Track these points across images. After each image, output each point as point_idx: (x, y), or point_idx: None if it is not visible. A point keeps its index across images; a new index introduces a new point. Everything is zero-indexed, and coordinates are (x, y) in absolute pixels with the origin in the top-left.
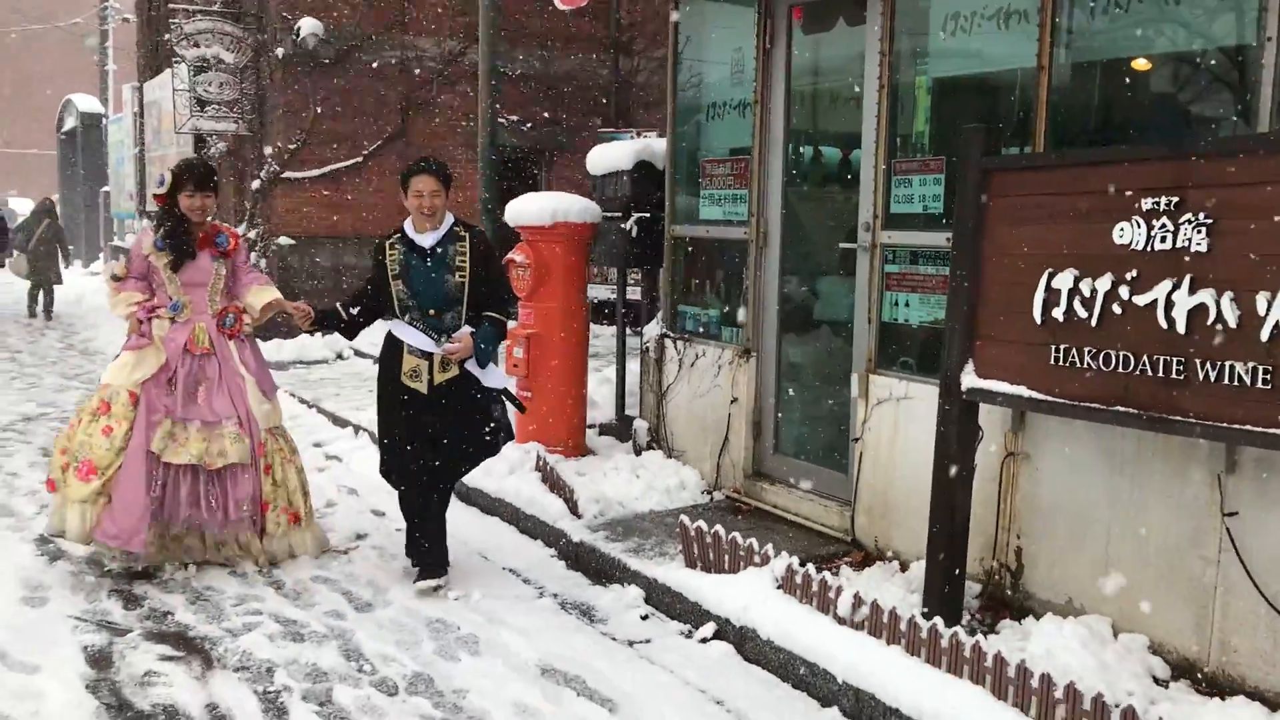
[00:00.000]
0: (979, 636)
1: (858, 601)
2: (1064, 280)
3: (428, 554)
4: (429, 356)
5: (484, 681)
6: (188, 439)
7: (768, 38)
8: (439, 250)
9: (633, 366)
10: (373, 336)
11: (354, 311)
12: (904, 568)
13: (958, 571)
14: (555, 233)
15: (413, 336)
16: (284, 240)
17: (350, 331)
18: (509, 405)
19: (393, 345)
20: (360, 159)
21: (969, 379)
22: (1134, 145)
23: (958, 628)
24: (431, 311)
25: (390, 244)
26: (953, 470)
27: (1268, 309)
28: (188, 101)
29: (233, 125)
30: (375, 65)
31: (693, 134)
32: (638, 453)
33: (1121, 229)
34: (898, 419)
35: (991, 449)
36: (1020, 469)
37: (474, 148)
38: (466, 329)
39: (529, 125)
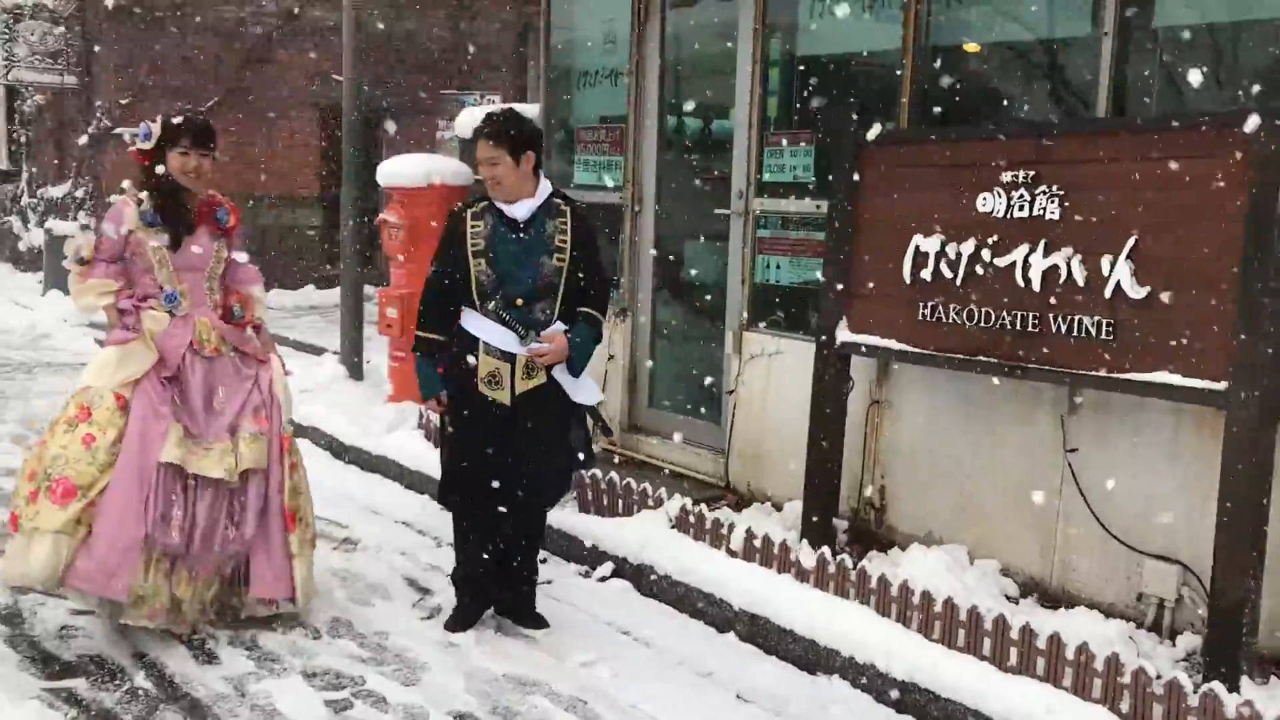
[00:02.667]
0: (864, 562)
1: (750, 536)
2: (931, 244)
3: (473, 592)
4: (511, 358)
5: (401, 623)
6: (212, 450)
7: (642, 9)
8: (534, 225)
9: None
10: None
11: (433, 325)
12: (778, 508)
13: (831, 509)
14: (430, 194)
15: (492, 332)
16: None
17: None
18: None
19: (465, 342)
20: None
21: (843, 333)
22: (996, 125)
23: (843, 555)
24: (519, 301)
25: (474, 213)
26: (827, 416)
27: (1110, 269)
28: (4, 51)
29: (57, 78)
30: (211, 19)
31: (564, 101)
32: None
33: (984, 198)
34: (770, 373)
35: (857, 398)
36: (884, 415)
37: (315, 106)
38: (559, 326)
39: (366, 86)
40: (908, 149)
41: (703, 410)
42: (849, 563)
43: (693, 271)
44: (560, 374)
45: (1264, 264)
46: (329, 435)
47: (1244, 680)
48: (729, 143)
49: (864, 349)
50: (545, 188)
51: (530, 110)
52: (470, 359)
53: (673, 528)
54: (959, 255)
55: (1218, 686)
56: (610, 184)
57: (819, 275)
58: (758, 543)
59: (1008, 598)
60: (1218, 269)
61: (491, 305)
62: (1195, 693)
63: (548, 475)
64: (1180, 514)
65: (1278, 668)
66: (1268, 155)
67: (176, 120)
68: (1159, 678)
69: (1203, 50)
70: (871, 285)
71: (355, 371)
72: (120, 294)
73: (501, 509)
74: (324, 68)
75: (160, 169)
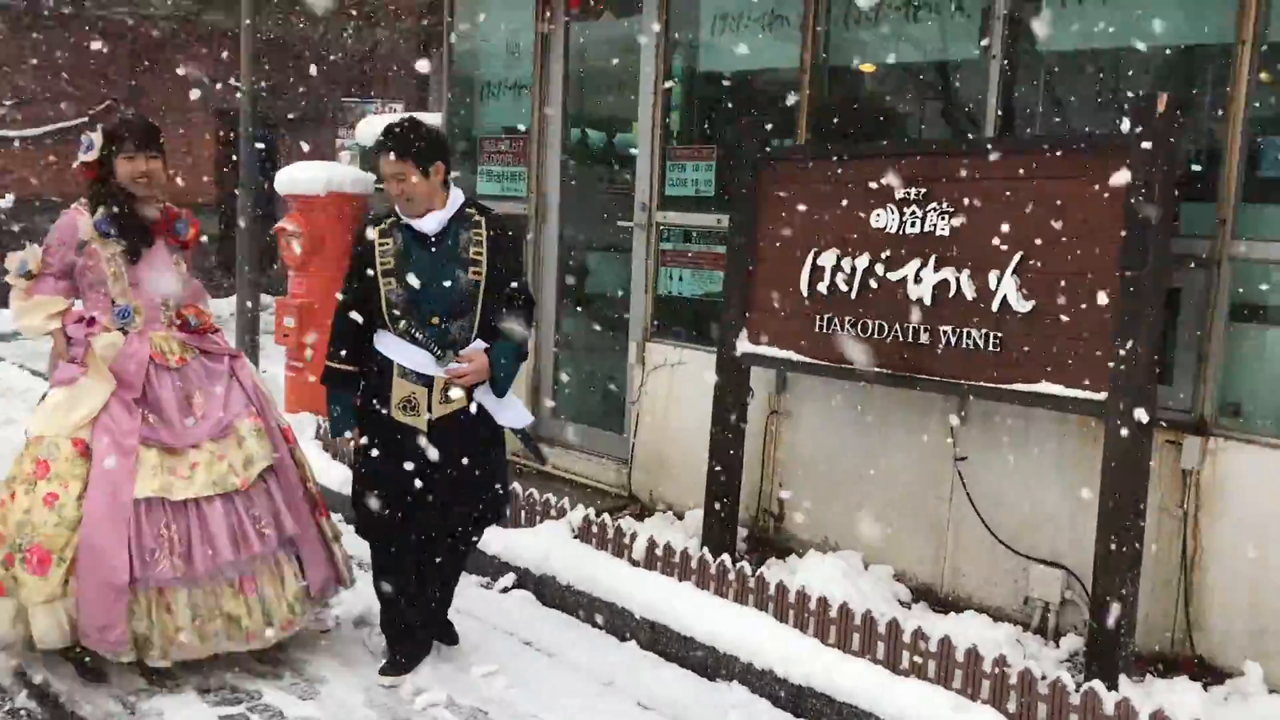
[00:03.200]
0: (763, 569)
1: (651, 544)
2: (828, 259)
3: (406, 635)
4: (428, 381)
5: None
6: (198, 464)
7: (545, 22)
8: (445, 238)
9: None
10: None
11: (343, 355)
12: (680, 517)
13: (731, 517)
14: (328, 202)
15: (407, 354)
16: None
17: (352, 385)
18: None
19: (380, 367)
20: (86, 119)
21: (743, 345)
22: (890, 143)
23: (743, 562)
24: (434, 320)
25: (382, 229)
26: (728, 426)
27: (998, 284)
28: None
29: None
30: (103, 22)
31: (468, 111)
32: None
33: (879, 215)
34: (672, 383)
35: (757, 408)
36: (782, 425)
37: (210, 111)
38: (478, 344)
39: (265, 92)
40: (805, 165)
41: (606, 420)
42: (748, 570)
43: (597, 282)
44: (484, 395)
45: (1140, 279)
46: None
47: (1122, 679)
48: (633, 155)
49: (763, 360)
50: (456, 198)
51: (433, 119)
52: (383, 383)
53: (575, 538)
54: (854, 269)
55: (1098, 685)
56: (514, 194)
57: (720, 287)
58: (659, 551)
59: (901, 602)
60: (1097, 284)
61: (404, 325)
62: (1077, 692)
63: (473, 506)
64: (1064, 520)
65: (1153, 667)
66: (1143, 174)
67: (118, 125)
68: (1044, 678)
69: (1086, 73)
70: (770, 298)
71: None
72: (68, 314)
73: (421, 541)
74: (221, 73)
75: (109, 178)
